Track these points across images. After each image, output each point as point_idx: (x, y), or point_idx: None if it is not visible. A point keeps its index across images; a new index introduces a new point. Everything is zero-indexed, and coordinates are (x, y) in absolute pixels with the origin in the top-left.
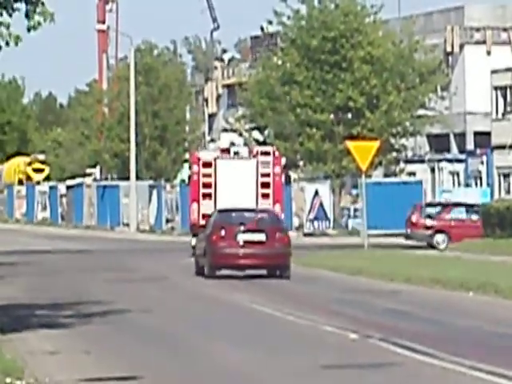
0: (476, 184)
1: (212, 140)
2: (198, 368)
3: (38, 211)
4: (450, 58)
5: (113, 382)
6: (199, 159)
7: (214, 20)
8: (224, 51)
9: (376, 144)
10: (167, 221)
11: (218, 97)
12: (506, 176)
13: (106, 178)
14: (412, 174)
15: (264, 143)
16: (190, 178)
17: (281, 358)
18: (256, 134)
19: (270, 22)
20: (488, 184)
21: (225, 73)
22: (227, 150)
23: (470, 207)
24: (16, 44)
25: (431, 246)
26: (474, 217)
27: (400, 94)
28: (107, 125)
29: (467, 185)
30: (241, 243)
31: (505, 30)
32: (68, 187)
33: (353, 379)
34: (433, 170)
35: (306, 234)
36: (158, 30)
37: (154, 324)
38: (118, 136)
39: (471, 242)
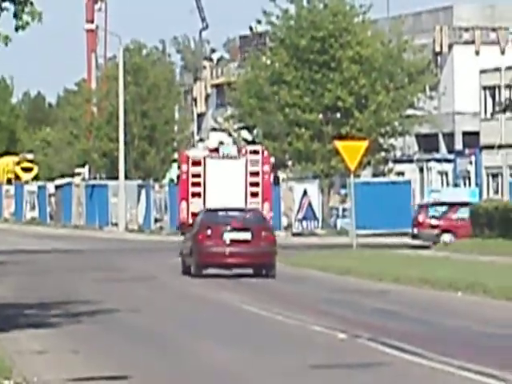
0: (464, 184)
1: (201, 139)
2: (187, 367)
3: (26, 211)
4: (439, 58)
5: (101, 382)
6: (188, 158)
7: (203, 20)
8: (213, 51)
9: (365, 144)
10: (156, 220)
11: (207, 96)
12: (495, 176)
13: (95, 178)
14: (401, 173)
15: (253, 143)
16: (179, 176)
17: (269, 357)
18: (245, 134)
19: (259, 22)
20: (477, 184)
21: (213, 72)
22: (216, 150)
23: None
24: (6, 44)
25: None
26: None
27: (389, 94)
28: (96, 124)
29: (456, 185)
30: (227, 242)
31: (493, 29)
32: (57, 187)
33: (341, 379)
34: (421, 170)
35: (294, 234)
36: (146, 29)
37: (142, 323)
38: (106, 135)
39: (460, 242)
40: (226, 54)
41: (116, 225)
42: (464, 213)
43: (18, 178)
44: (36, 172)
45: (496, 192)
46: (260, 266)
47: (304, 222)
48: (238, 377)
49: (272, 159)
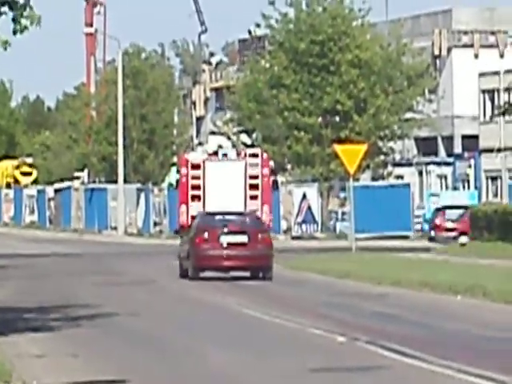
0: (464, 187)
1: (200, 143)
2: (186, 371)
3: (25, 214)
4: (438, 61)
5: None
6: (188, 161)
7: (202, 23)
8: (212, 54)
9: (364, 147)
10: (155, 224)
11: (206, 100)
12: (494, 179)
13: (94, 182)
14: (400, 177)
15: (252, 146)
16: (178, 180)
17: (268, 360)
18: (244, 138)
19: (258, 26)
20: (476, 187)
21: (213, 76)
22: (215, 153)
23: None
24: (5, 49)
25: None
26: None
27: (388, 98)
28: (95, 128)
29: (455, 188)
30: (224, 245)
31: (492, 33)
32: (56, 190)
33: (341, 382)
34: (420, 174)
35: (293, 237)
36: (145, 33)
37: (141, 327)
38: (105, 139)
39: (455, 245)
40: (225, 58)
41: (115, 228)
42: None
43: (17, 181)
44: (35, 176)
45: (495, 195)
46: (257, 268)
47: (303, 226)
48: (236, 380)
49: (271, 163)
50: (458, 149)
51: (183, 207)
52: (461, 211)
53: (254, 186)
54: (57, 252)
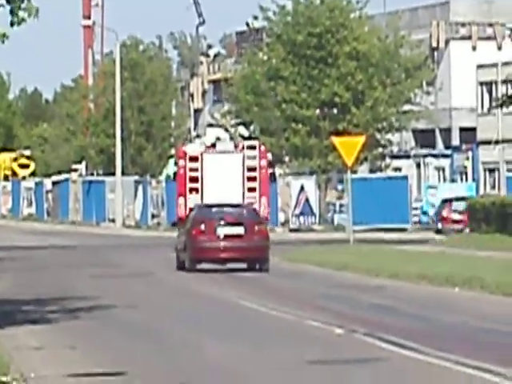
0: (461, 179)
1: (198, 135)
2: (184, 363)
3: (23, 207)
4: (436, 54)
5: (98, 378)
6: (186, 154)
7: (200, 15)
8: (209, 46)
9: (361, 139)
10: (153, 216)
11: (204, 92)
12: (492, 171)
13: (92, 174)
14: (398, 169)
15: (250, 138)
16: (176, 172)
17: (266, 352)
18: (242, 130)
19: (256, 18)
20: (474, 179)
21: (210, 68)
22: (213, 145)
23: None
24: (2, 42)
25: None
26: None
27: (386, 90)
28: (93, 120)
29: (453, 180)
30: (221, 237)
31: (490, 25)
32: (54, 183)
33: (339, 374)
34: (418, 166)
35: (291, 230)
36: (143, 25)
37: (139, 319)
38: (103, 131)
39: (457, 237)
40: (223, 50)
41: (113, 221)
42: None
43: (14, 174)
44: (33, 168)
45: (493, 187)
46: (253, 260)
47: (301, 218)
48: (234, 372)
49: (269, 155)
50: (455, 141)
51: (181, 199)
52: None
53: (251, 178)
54: (55, 244)
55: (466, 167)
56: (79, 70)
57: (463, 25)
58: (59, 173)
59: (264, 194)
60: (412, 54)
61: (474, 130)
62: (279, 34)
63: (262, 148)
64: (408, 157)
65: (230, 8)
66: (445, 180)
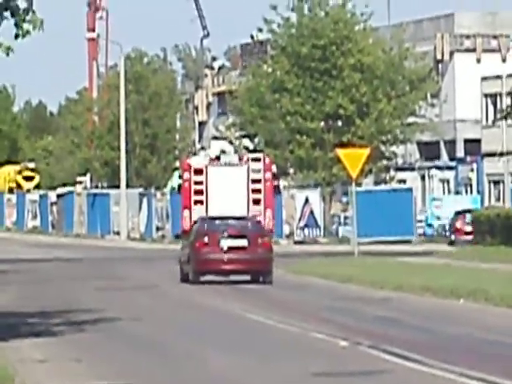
0: (466, 191)
1: (202, 148)
2: (189, 375)
3: (28, 219)
4: (440, 66)
5: None
6: (190, 166)
7: (204, 28)
8: (214, 59)
9: (366, 151)
10: (157, 229)
11: (208, 105)
12: (496, 183)
13: (97, 186)
14: (402, 181)
15: (254, 151)
16: (180, 185)
17: (271, 365)
18: (246, 142)
19: (260, 30)
20: (478, 191)
21: (215, 81)
22: (218, 158)
23: None
24: (7, 54)
25: None
26: None
27: (390, 102)
28: (97, 133)
29: (457, 192)
30: (224, 249)
31: (495, 37)
32: (58, 195)
33: None
34: (423, 178)
35: (296, 242)
36: (147, 37)
37: (144, 332)
38: (108, 144)
39: (462, 249)
40: (227, 63)
41: (118, 233)
42: None
43: (19, 186)
44: (37, 181)
45: (498, 199)
46: (257, 272)
47: (306, 230)
48: None
49: (274, 168)
50: (460, 153)
51: (186, 212)
52: None
53: (256, 191)
54: (59, 257)
55: (470, 179)
56: (84, 83)
57: (468, 37)
58: (64, 185)
59: (269, 207)
60: (416, 66)
61: (478, 141)
62: (284, 47)
63: (267, 160)
64: (413, 169)
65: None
66: (449, 192)
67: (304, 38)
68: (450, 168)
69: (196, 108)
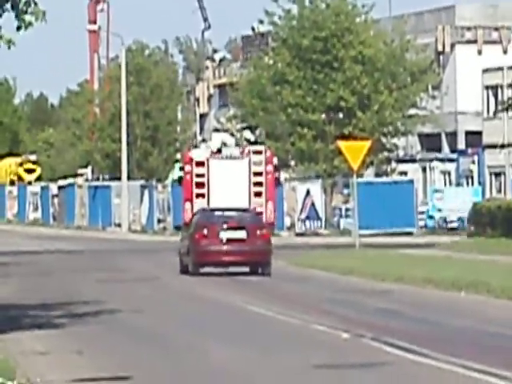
0: (467, 183)
1: (203, 140)
2: (190, 367)
3: (29, 212)
4: (441, 58)
5: (104, 382)
6: (192, 159)
7: (205, 20)
8: (215, 51)
9: (367, 144)
10: (159, 221)
11: (210, 97)
12: (498, 175)
13: (98, 179)
14: (403, 173)
15: (255, 143)
16: (181, 177)
17: (272, 357)
18: (247, 134)
19: (261, 22)
20: (479, 183)
21: (216, 73)
22: (219, 151)
23: None
24: (8, 47)
25: None
26: None
27: (391, 94)
28: (98, 125)
29: (458, 184)
30: (223, 241)
31: (496, 29)
32: (59, 187)
33: (345, 378)
34: (424, 170)
35: (297, 234)
36: (149, 30)
37: (145, 324)
38: (109, 136)
39: (462, 241)
40: (229, 55)
41: (119, 225)
42: None
43: (20, 179)
44: (39, 173)
45: (499, 191)
46: (256, 263)
47: (307, 222)
48: (241, 376)
49: (275, 160)
50: (461, 145)
51: (188, 204)
52: None
53: (257, 184)
54: (60, 249)
55: (471, 171)
56: (85, 75)
57: (469, 29)
58: (65, 177)
59: (270, 199)
60: (418, 58)
61: (479, 133)
62: (285, 39)
63: (268, 153)
64: (414, 161)
65: (235, 12)
66: (451, 184)
67: (305, 30)
68: (451, 160)
69: (197, 100)
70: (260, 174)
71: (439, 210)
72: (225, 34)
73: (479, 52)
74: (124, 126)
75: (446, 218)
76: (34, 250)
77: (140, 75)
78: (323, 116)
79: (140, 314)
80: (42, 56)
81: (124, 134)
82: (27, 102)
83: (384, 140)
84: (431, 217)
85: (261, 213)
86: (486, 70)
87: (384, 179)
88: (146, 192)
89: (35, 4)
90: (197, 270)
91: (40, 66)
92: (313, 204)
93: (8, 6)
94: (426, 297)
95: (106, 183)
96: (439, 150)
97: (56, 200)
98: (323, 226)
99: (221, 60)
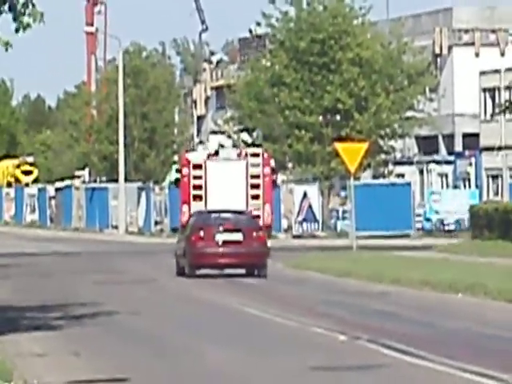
0: (464, 186)
1: (201, 142)
2: (187, 369)
3: (26, 213)
4: (439, 60)
5: None
6: (189, 161)
7: (203, 22)
8: (212, 53)
9: (364, 146)
10: (156, 223)
11: (207, 99)
12: (495, 177)
13: (95, 181)
14: (401, 175)
15: (253, 145)
16: (178, 179)
17: (269, 359)
18: (245, 136)
19: (259, 24)
20: (476, 185)
21: (213, 75)
22: (216, 153)
23: None
24: (6, 49)
25: None
26: None
27: (388, 96)
28: (96, 127)
29: (456, 186)
30: (219, 243)
31: (493, 31)
32: (57, 189)
33: (342, 381)
34: (421, 172)
35: (294, 236)
36: (146, 32)
37: (142, 326)
38: (106, 138)
39: (460, 243)
40: (226, 57)
41: (116, 227)
42: None
43: (18, 180)
44: (36, 175)
45: (496, 193)
46: (252, 265)
47: (304, 224)
48: (237, 379)
49: (272, 162)
50: (458, 147)
51: (185, 207)
52: None
53: (255, 186)
54: (58, 251)
55: (468, 173)
56: (82, 77)
57: (466, 31)
58: (62, 179)
59: (268, 201)
60: (415, 61)
61: (477, 136)
62: (282, 41)
63: (266, 155)
64: (411, 163)
65: (232, 14)
66: (448, 186)
67: (302, 32)
68: (448, 162)
69: (194, 102)
70: (257, 176)
71: (436, 213)
72: (222, 36)
73: (476, 54)
74: (121, 128)
75: (443, 221)
76: (31, 251)
77: (137, 77)
78: (320, 118)
79: (137, 316)
80: (39, 58)
81: (121, 135)
82: (24, 104)
83: (381, 142)
84: (428, 219)
85: (258, 215)
86: (483, 73)
87: (381, 181)
88: (143, 194)
89: (33, 6)
90: (193, 272)
91: (37, 67)
92: (310, 206)
93: (6, 7)
94: (423, 299)
95: (103, 185)
96: (436, 152)
97: (53, 202)
98: (320, 228)
99: (218, 62)
